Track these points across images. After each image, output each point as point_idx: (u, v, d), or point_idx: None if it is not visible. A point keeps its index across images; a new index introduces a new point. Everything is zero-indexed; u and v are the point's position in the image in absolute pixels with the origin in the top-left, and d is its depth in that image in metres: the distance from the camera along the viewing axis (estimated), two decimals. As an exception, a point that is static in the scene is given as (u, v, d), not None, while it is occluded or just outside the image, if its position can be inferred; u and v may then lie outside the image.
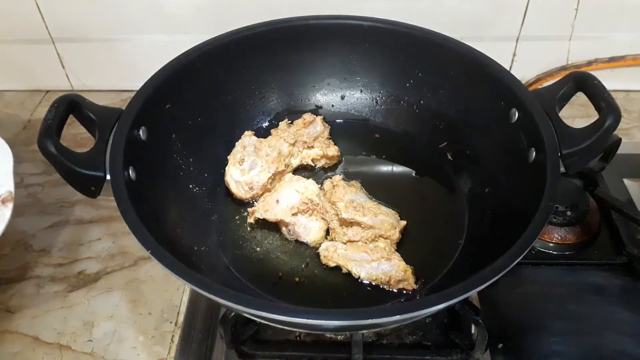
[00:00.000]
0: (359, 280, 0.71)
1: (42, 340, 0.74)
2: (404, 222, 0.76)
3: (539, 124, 0.66)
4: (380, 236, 0.74)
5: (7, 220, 0.71)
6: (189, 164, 0.79)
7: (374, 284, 0.71)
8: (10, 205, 0.72)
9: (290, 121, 0.87)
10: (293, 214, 0.75)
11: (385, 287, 0.70)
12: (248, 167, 0.80)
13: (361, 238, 0.74)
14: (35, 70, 1.11)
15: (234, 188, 0.80)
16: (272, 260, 0.74)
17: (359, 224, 0.74)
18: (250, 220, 0.78)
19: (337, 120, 0.91)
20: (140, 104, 0.69)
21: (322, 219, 0.76)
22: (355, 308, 0.53)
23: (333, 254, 0.72)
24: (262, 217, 0.76)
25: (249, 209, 0.78)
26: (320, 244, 0.75)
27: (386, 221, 0.74)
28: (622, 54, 1.04)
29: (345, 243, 0.74)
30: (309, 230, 0.75)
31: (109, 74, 1.11)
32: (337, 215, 0.75)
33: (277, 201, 0.76)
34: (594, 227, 0.82)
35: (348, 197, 0.76)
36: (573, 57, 1.06)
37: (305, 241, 0.76)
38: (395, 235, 0.74)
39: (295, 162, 0.85)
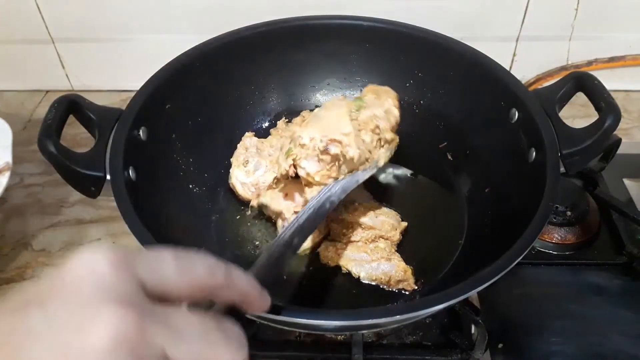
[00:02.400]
0: (359, 280, 0.71)
1: (42, 340, 0.74)
2: (404, 224, 0.76)
3: (539, 124, 0.66)
4: (381, 237, 0.74)
5: (4, 186, 0.76)
6: (189, 164, 0.79)
7: (373, 284, 0.71)
8: (7, 174, 0.77)
9: (287, 120, 0.87)
10: (295, 212, 0.74)
11: (385, 287, 0.70)
12: (253, 168, 0.80)
13: (361, 238, 0.73)
14: (35, 70, 1.11)
15: (241, 190, 0.80)
16: (272, 260, 0.74)
17: (359, 224, 0.74)
18: (254, 203, 0.76)
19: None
20: (140, 104, 0.69)
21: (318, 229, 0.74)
22: (355, 308, 0.53)
23: (333, 254, 0.72)
24: (267, 204, 0.75)
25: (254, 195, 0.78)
26: (307, 252, 0.74)
27: (387, 222, 0.74)
28: (622, 54, 1.04)
29: (345, 243, 0.73)
30: None
31: (109, 74, 1.11)
32: (338, 216, 0.75)
33: (286, 194, 0.75)
34: (593, 227, 0.82)
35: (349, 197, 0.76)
36: (573, 57, 1.06)
37: None
38: (396, 236, 0.74)
39: (297, 161, 0.85)
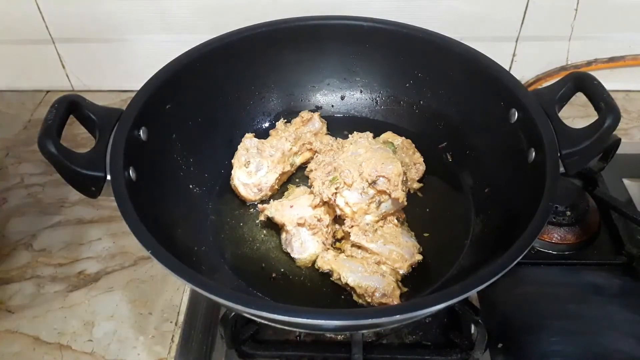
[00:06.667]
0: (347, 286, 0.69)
1: (42, 340, 0.74)
2: (418, 257, 0.71)
3: (539, 124, 0.66)
4: (385, 264, 0.70)
5: None
6: (189, 164, 0.79)
7: (359, 292, 0.68)
8: None
9: (287, 120, 0.88)
10: (299, 224, 0.73)
11: (368, 299, 0.67)
12: (254, 169, 0.80)
13: (363, 257, 0.70)
14: (35, 70, 1.11)
15: (243, 191, 0.80)
16: (272, 260, 0.75)
17: (365, 248, 0.71)
18: (261, 217, 0.77)
19: (337, 121, 0.91)
20: (140, 104, 0.69)
21: (323, 242, 0.73)
22: (355, 308, 0.53)
23: (331, 258, 0.71)
24: (271, 216, 0.75)
25: (259, 206, 0.78)
26: (307, 265, 0.73)
27: (395, 251, 0.70)
28: (622, 54, 1.04)
29: (347, 255, 0.72)
30: (304, 248, 0.73)
31: (109, 74, 1.11)
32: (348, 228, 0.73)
33: (291, 206, 0.75)
34: (593, 227, 0.82)
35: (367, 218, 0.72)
36: (573, 57, 1.06)
37: (294, 257, 0.73)
38: (404, 268, 0.70)
39: (298, 161, 0.85)
